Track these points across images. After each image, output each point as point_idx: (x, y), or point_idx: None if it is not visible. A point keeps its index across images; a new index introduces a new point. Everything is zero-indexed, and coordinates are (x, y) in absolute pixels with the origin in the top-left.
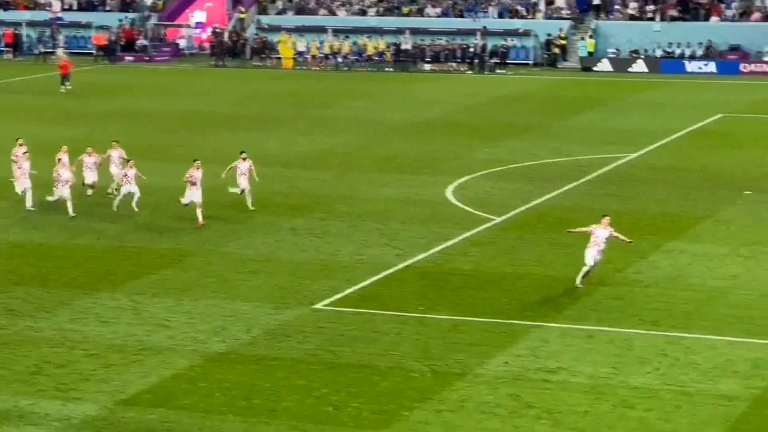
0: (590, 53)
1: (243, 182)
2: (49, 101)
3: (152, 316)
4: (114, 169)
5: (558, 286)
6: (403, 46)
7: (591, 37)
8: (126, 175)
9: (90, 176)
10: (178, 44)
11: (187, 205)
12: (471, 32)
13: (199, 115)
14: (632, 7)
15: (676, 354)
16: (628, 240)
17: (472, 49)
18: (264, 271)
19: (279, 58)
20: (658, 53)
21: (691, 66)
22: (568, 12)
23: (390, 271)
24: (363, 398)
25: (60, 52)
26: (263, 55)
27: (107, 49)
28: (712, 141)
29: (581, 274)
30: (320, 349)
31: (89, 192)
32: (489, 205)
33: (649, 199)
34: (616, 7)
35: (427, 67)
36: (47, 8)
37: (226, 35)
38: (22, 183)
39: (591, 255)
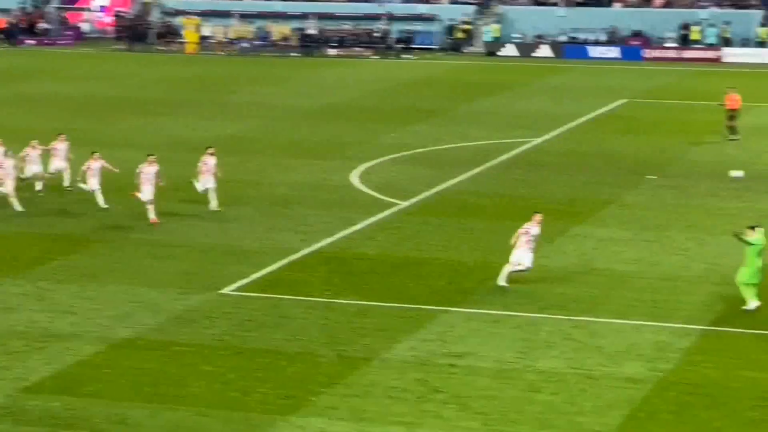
0: (495, 38)
1: (207, 180)
2: None
3: (56, 302)
4: (59, 163)
5: (464, 271)
6: (308, 31)
7: (496, 22)
8: (89, 168)
9: (35, 169)
10: (80, 28)
11: (147, 201)
12: (376, 17)
13: (104, 100)
14: None
15: (582, 338)
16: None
17: (377, 34)
18: (170, 257)
19: (184, 42)
20: (562, 38)
21: (594, 51)
22: None
23: (296, 256)
24: (270, 383)
25: None
26: (168, 40)
27: (7, 32)
28: (616, 126)
29: (507, 272)
30: (227, 335)
31: (39, 186)
32: (395, 189)
33: (554, 184)
34: None
35: (333, 52)
36: None
37: (129, 19)
38: None
39: (528, 257)
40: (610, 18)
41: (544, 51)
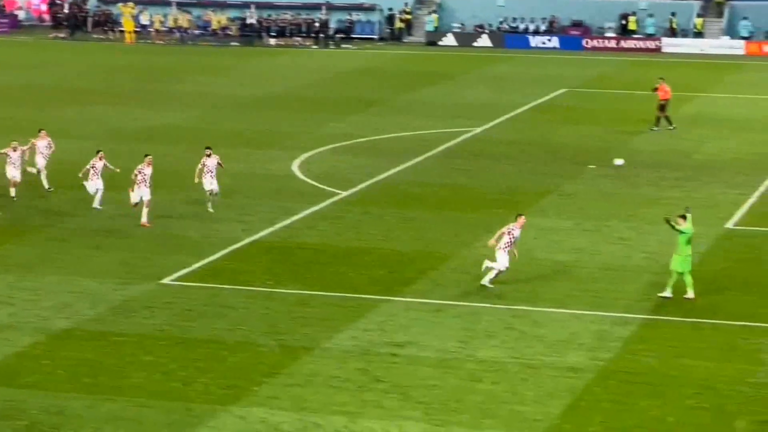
0: (436, 28)
1: (208, 182)
2: None
3: None
4: (40, 161)
5: (405, 261)
6: (248, 21)
7: (436, 11)
8: (93, 167)
9: (12, 172)
10: (16, 15)
11: (136, 204)
12: (316, 7)
13: (41, 89)
14: None
15: (523, 327)
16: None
17: (317, 24)
18: (110, 247)
19: (122, 31)
20: (503, 28)
21: (535, 41)
22: None
23: (237, 245)
24: (211, 373)
25: None
26: (105, 28)
27: None
28: (557, 115)
29: (493, 276)
30: (168, 325)
31: (13, 192)
32: (335, 179)
33: (495, 174)
34: None
35: (273, 41)
36: None
37: (66, 7)
38: None
39: (509, 259)
40: (550, 7)
41: (484, 40)
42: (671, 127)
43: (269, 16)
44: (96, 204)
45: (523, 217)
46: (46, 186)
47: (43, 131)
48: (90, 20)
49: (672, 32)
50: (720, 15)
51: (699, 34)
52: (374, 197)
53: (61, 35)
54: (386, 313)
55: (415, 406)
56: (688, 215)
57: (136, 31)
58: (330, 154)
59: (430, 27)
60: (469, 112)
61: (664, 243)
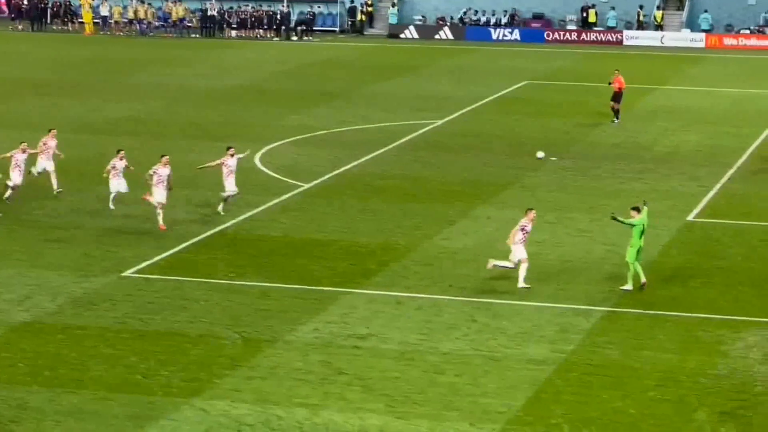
0: (398, 21)
1: (229, 184)
2: None
3: None
4: (49, 162)
5: (366, 253)
6: (209, 12)
7: (397, 4)
8: (114, 167)
9: (16, 176)
10: None
11: (161, 206)
12: None
13: (3, 81)
14: None
15: (485, 320)
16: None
17: (279, 16)
18: (70, 239)
19: (82, 22)
20: (464, 21)
21: (496, 33)
22: None
23: (199, 237)
24: (173, 366)
25: None
26: (66, 20)
27: None
28: (518, 108)
29: (524, 274)
30: (129, 317)
31: (8, 193)
32: (297, 171)
33: (456, 166)
34: None
35: (234, 33)
36: None
37: None
38: None
39: (523, 252)
40: (512, 0)
41: (446, 33)
42: (616, 121)
43: (230, 8)
44: (111, 204)
45: (533, 211)
46: (56, 188)
47: (53, 130)
48: (49, 12)
49: (639, 25)
50: (680, 8)
51: (659, 27)
52: (336, 189)
53: (21, 27)
54: (348, 306)
55: (378, 398)
56: (645, 207)
57: (95, 23)
58: (292, 146)
59: (392, 19)
60: (431, 104)
61: (624, 235)
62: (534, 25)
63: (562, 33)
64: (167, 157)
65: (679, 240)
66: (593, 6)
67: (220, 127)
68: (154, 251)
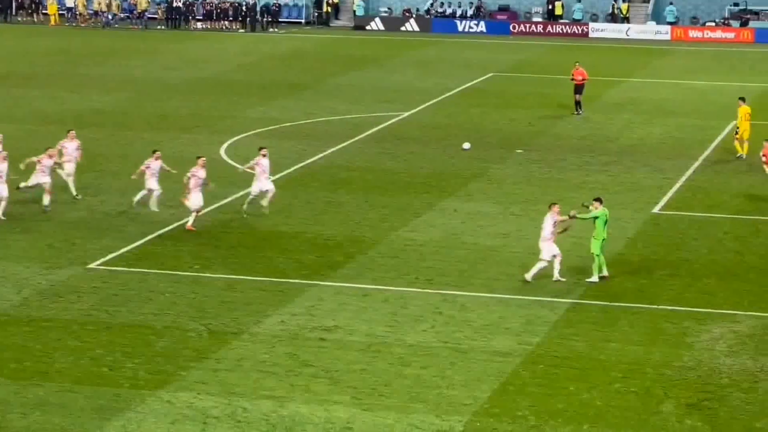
0: (364, 12)
1: (263, 183)
2: None
3: None
4: (69, 165)
5: (332, 245)
6: (174, 4)
7: None
8: (149, 167)
9: (42, 179)
10: None
11: (197, 211)
12: None
13: None
14: None
15: (451, 312)
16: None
17: (244, 8)
18: (35, 231)
19: (47, 14)
20: (430, 12)
21: (462, 25)
22: None
23: (164, 229)
24: (139, 358)
25: None
26: (31, 11)
27: None
28: (484, 99)
29: (559, 267)
30: (95, 310)
31: (46, 200)
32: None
33: (422, 158)
34: None
35: (200, 25)
36: None
37: None
38: None
39: (555, 245)
40: None
41: (412, 25)
42: (578, 113)
43: None
44: (154, 207)
45: (557, 205)
46: (74, 193)
47: (72, 132)
48: (15, 3)
49: (613, 18)
50: (646, 0)
51: (625, 19)
52: (302, 181)
53: None
54: (314, 298)
55: (344, 391)
56: (595, 203)
57: (60, 14)
58: (257, 138)
59: (358, 11)
60: (396, 96)
61: (589, 228)
62: (500, 17)
63: (527, 25)
64: (204, 158)
65: (645, 232)
66: None
67: (186, 118)
68: (119, 243)
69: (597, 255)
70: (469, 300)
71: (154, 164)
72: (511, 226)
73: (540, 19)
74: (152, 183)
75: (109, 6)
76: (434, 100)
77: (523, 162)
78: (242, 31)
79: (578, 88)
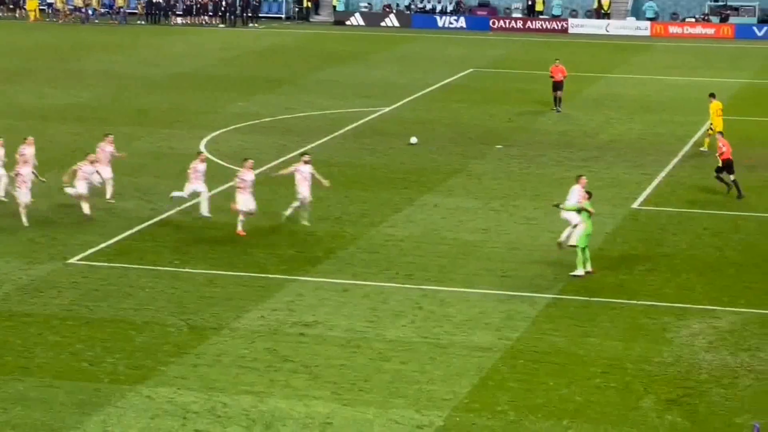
0: (344, 8)
1: (304, 190)
2: None
3: None
4: (106, 170)
5: (312, 240)
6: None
7: None
8: (195, 169)
9: (81, 187)
10: None
11: (249, 214)
12: None
13: None
14: None
15: (431, 307)
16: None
17: (224, 3)
18: (15, 227)
19: (27, 9)
20: (410, 8)
21: (442, 21)
22: None
23: (144, 225)
24: (119, 353)
25: None
26: (11, 7)
27: None
28: (464, 95)
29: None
30: (75, 305)
31: (87, 209)
32: (243, 158)
33: (402, 153)
34: None
35: (179, 20)
36: None
37: None
38: None
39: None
40: None
41: (392, 20)
42: (557, 109)
43: None
44: (204, 212)
45: (584, 177)
46: (109, 197)
47: (110, 135)
48: None
49: (598, 14)
50: None
51: (606, 15)
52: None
53: None
54: (294, 293)
55: (324, 386)
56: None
57: (41, 10)
58: (237, 133)
59: (338, 6)
60: (376, 91)
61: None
62: (480, 12)
63: (507, 21)
64: (252, 161)
65: (624, 228)
66: None
67: (166, 113)
68: (99, 238)
69: (582, 249)
70: (449, 295)
71: (201, 166)
72: (491, 221)
73: (520, 15)
74: (199, 185)
75: (88, 1)
76: (414, 96)
77: (502, 157)
78: (222, 26)
79: (557, 85)
